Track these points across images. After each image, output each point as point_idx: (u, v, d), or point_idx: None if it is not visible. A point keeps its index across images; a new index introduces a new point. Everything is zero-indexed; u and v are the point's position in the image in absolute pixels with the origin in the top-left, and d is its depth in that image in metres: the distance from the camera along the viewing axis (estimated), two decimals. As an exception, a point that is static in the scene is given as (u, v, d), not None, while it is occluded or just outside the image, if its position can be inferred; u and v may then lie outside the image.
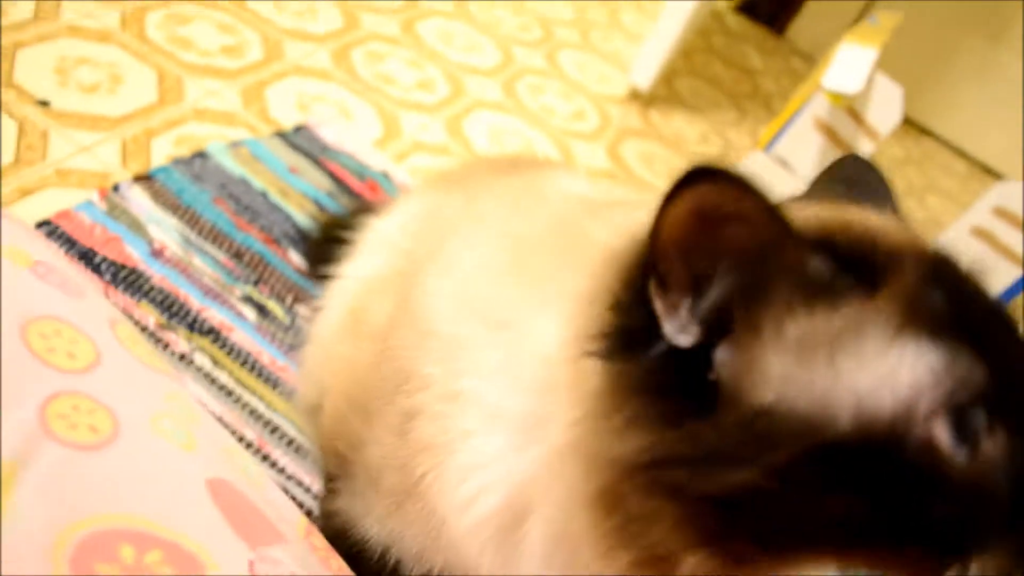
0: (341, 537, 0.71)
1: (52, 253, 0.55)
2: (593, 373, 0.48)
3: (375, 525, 0.63)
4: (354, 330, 0.74)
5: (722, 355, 0.44)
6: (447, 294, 0.60)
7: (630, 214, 0.55)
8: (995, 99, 2.37)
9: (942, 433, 0.41)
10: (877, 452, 0.41)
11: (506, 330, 0.55)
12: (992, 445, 0.42)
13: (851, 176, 0.64)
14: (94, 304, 0.53)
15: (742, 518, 0.43)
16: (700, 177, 0.41)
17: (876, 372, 0.42)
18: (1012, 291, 1.49)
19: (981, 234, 1.47)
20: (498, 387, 0.53)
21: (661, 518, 0.45)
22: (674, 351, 0.45)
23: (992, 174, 2.43)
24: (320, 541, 0.50)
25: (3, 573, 0.37)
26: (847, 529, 0.42)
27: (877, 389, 0.41)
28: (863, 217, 0.50)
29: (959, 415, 0.41)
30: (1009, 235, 1.45)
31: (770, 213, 0.42)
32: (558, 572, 0.53)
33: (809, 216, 0.48)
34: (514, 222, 0.64)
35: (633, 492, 0.45)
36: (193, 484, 0.45)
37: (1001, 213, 1.44)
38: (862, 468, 0.41)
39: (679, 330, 0.45)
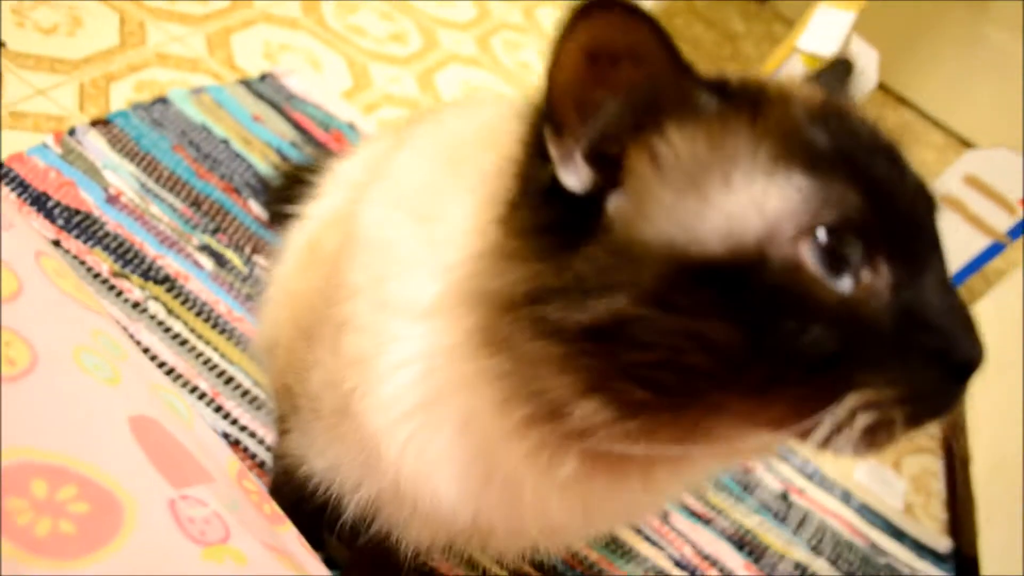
0: (289, 479, 0.70)
1: (-22, 185, 0.53)
2: (497, 234, 0.48)
3: (317, 458, 0.62)
4: (308, 262, 0.73)
5: (613, 200, 0.45)
6: (379, 201, 0.59)
7: None
8: (976, 71, 2.36)
9: (808, 256, 0.42)
10: (746, 275, 0.41)
11: (428, 222, 0.54)
12: (873, 276, 0.43)
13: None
14: (21, 236, 0.51)
15: (624, 355, 0.43)
16: (595, 8, 0.41)
17: (745, 197, 0.42)
18: (982, 259, 1.49)
19: (951, 203, 1.47)
20: (418, 281, 0.53)
21: (546, 361, 0.45)
22: (568, 200, 0.45)
23: (969, 146, 2.43)
24: (254, 484, 0.49)
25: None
26: (729, 366, 0.42)
27: (745, 213, 0.42)
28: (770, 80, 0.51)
29: (830, 241, 0.42)
30: (979, 204, 1.45)
31: (664, 44, 0.43)
32: (468, 456, 0.53)
33: (711, 70, 0.49)
34: (448, 128, 0.63)
35: (514, 331, 0.45)
36: (114, 420, 0.43)
37: (971, 181, 1.44)
38: (733, 292, 0.41)
39: (574, 175, 0.45)
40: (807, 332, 0.41)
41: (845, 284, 0.42)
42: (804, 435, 0.43)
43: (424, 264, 0.53)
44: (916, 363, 0.43)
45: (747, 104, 0.45)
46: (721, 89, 0.46)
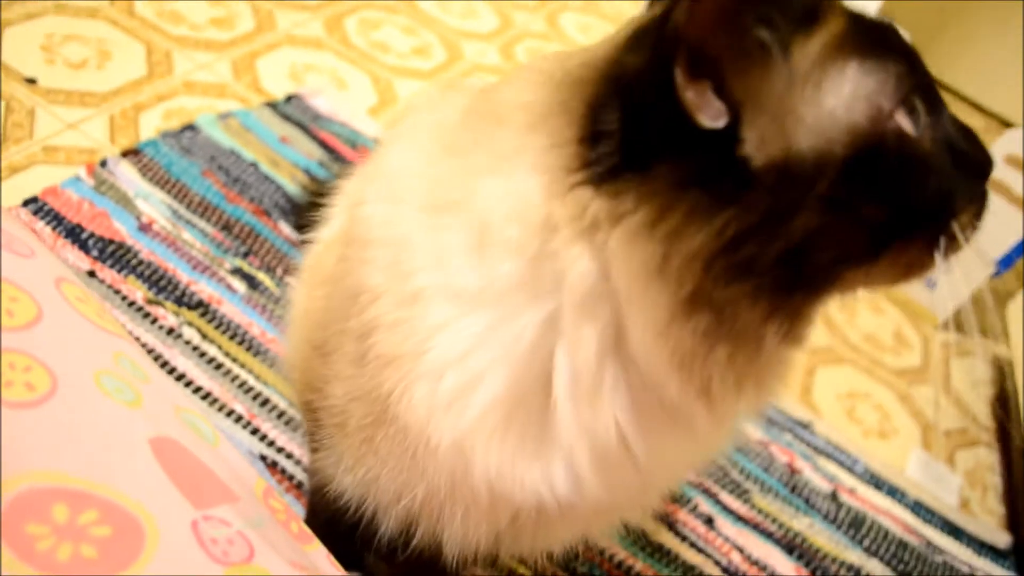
0: (322, 497, 0.70)
1: (2, 215, 0.54)
2: (591, 200, 0.48)
3: (346, 475, 0.61)
4: (314, 283, 0.73)
5: (748, 131, 0.47)
6: (377, 200, 0.57)
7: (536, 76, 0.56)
8: (1013, 50, 2.30)
9: (904, 122, 0.50)
10: (875, 157, 0.49)
11: (450, 210, 0.53)
12: (932, 125, 0.52)
13: None
14: (42, 263, 0.52)
15: (807, 263, 0.49)
16: None
17: (846, 93, 0.49)
18: (1028, 243, 1.45)
19: (992, 185, 1.43)
20: (463, 267, 0.51)
21: (743, 298, 0.48)
22: (700, 143, 0.47)
23: (1010, 127, 2.36)
24: (280, 503, 0.49)
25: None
26: (879, 235, 0.50)
27: (855, 104, 0.49)
28: None
29: (909, 105, 0.50)
30: (1021, 184, 1.41)
31: None
32: (642, 415, 0.53)
33: None
34: (426, 119, 0.62)
35: (715, 282, 0.48)
36: (135, 442, 0.43)
37: (1013, 161, 1.40)
38: (872, 176, 0.49)
39: (714, 115, 0.47)
40: (928, 186, 0.51)
41: (927, 137, 0.51)
42: (924, 270, 0.55)
43: (467, 251, 0.51)
44: (969, 180, 0.55)
45: (826, 16, 0.50)
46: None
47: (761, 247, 0.48)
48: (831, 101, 0.49)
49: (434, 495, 0.58)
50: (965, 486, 1.29)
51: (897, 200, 0.50)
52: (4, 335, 0.45)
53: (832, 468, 1.18)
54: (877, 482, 1.19)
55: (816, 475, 1.16)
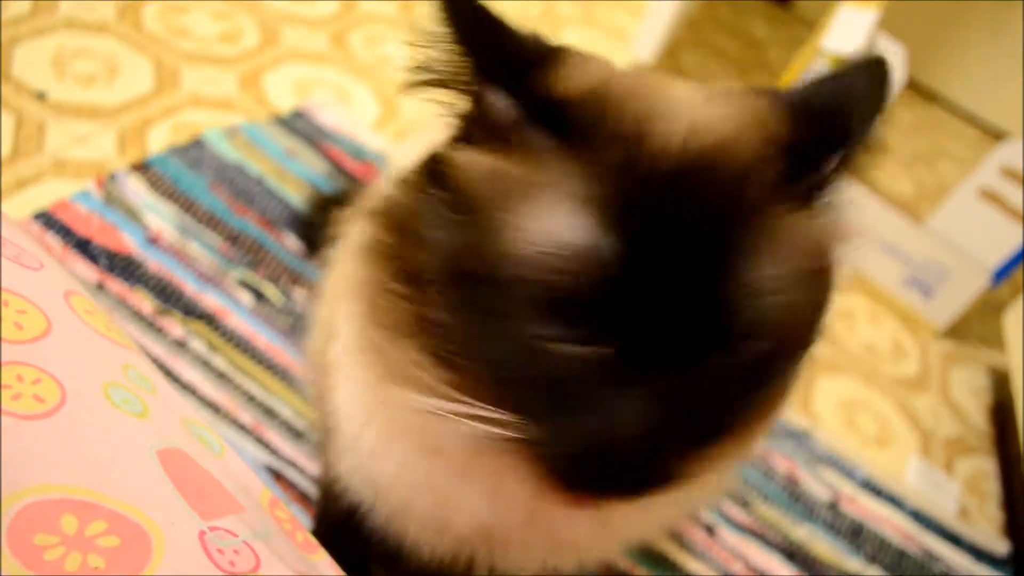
0: (331, 505, 0.73)
1: (9, 226, 0.55)
2: None
3: (352, 473, 0.65)
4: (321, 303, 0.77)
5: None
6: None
7: None
8: (1005, 61, 2.31)
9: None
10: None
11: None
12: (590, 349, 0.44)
13: None
14: (51, 276, 0.53)
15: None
16: None
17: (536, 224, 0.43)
18: (1022, 253, 1.46)
19: (988, 196, 1.45)
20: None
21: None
22: None
23: (1003, 137, 2.38)
24: (286, 513, 0.50)
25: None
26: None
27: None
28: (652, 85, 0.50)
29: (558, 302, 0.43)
30: (1017, 196, 1.42)
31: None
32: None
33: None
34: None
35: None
36: (143, 454, 0.45)
37: (1008, 173, 1.41)
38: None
39: None
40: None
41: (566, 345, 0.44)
42: None
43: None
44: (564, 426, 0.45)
45: (584, 134, 0.45)
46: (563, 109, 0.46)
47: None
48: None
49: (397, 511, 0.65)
50: (964, 494, 1.30)
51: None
52: (13, 348, 0.47)
53: (832, 476, 1.19)
54: (877, 490, 1.20)
55: (816, 483, 1.17)
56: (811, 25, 2.56)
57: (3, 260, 0.50)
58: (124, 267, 1.03)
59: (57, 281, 0.53)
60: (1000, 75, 2.33)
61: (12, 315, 0.48)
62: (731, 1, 2.55)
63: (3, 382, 0.44)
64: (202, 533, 0.43)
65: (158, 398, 0.50)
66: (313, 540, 0.50)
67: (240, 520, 0.45)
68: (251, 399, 0.97)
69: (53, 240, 1.02)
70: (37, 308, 0.49)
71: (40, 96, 1.18)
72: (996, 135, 2.40)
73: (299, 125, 1.33)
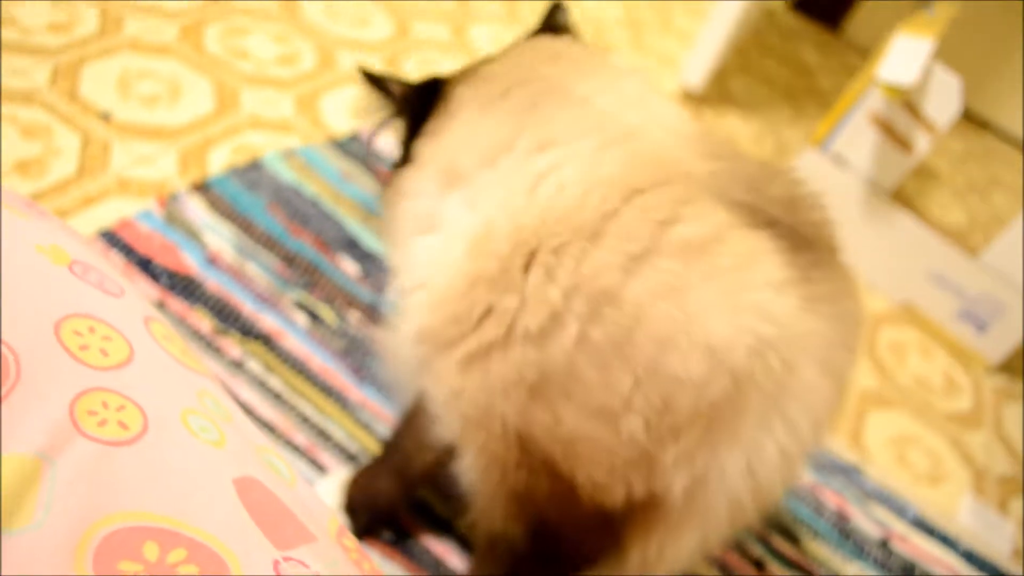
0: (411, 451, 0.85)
1: (91, 251, 0.57)
2: None
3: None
4: None
5: None
6: None
7: None
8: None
9: None
10: None
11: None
12: None
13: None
14: (131, 302, 0.54)
15: None
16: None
17: None
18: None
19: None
20: None
21: None
22: None
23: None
24: (352, 542, 0.51)
25: (28, 572, 0.38)
26: None
27: None
28: None
29: None
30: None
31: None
32: None
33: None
34: None
35: None
36: (220, 482, 0.45)
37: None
38: None
39: None
40: None
41: None
42: None
43: None
44: None
45: None
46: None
47: None
48: None
49: None
50: (1018, 533, 1.27)
51: None
52: (99, 374, 0.48)
53: (883, 514, 1.18)
54: (929, 529, 1.18)
55: (866, 521, 1.15)
56: (862, 52, 2.55)
57: (90, 287, 0.52)
58: (184, 286, 1.05)
59: (137, 307, 0.54)
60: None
61: (98, 342, 0.49)
62: (781, 25, 2.54)
63: (90, 408, 0.45)
64: (276, 563, 0.43)
65: (233, 426, 0.51)
66: (378, 569, 0.51)
67: (311, 551, 0.46)
68: (305, 420, 0.98)
69: (116, 258, 1.04)
70: (121, 335, 0.50)
71: (105, 116, 1.21)
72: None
73: (354, 148, 1.35)
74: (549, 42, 0.85)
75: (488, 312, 0.64)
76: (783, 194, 0.67)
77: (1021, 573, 1.18)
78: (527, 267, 0.64)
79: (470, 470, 0.72)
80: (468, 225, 0.68)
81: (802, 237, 0.64)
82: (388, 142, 1.37)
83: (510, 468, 0.68)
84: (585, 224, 0.62)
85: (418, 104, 0.78)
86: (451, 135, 0.74)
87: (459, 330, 0.66)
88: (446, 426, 0.72)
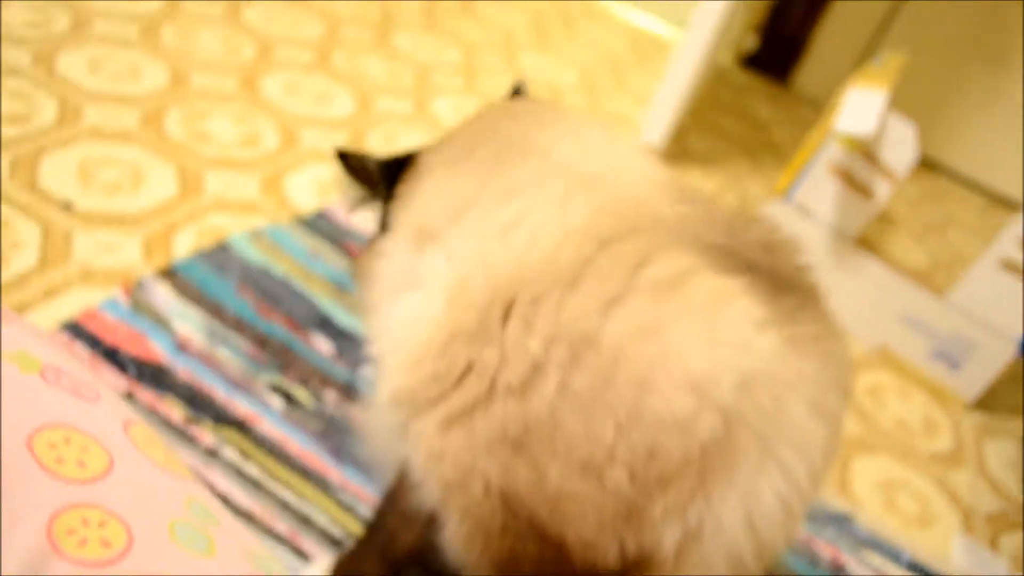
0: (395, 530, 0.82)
1: (63, 356, 0.54)
2: None
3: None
4: None
5: None
6: None
7: None
8: (1004, 128, 2.36)
9: None
10: None
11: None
12: None
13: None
14: (108, 407, 0.52)
15: None
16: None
17: None
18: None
19: (1010, 266, 1.45)
20: None
21: None
22: None
23: (1010, 204, 2.40)
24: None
25: None
26: None
27: None
28: None
29: None
30: (1041, 267, 1.42)
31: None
32: None
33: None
34: None
35: None
36: (215, 596, 0.43)
37: (1030, 245, 1.42)
38: None
39: None
40: None
41: None
42: None
43: None
44: None
45: None
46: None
47: None
48: None
49: None
50: (1012, 570, 1.26)
51: None
52: (77, 489, 0.45)
53: (877, 560, 1.16)
54: (924, 573, 1.17)
55: (862, 568, 1.14)
56: (812, 103, 2.62)
57: (64, 394, 0.50)
58: (153, 375, 1.02)
59: (115, 412, 0.52)
60: (999, 141, 2.37)
61: (76, 453, 0.47)
62: (732, 82, 2.61)
63: (69, 527, 0.43)
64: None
65: (222, 531, 0.49)
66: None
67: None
68: (285, 507, 0.95)
69: (81, 350, 1.01)
70: (98, 443, 0.48)
71: (66, 206, 1.19)
72: (1001, 201, 2.43)
73: (322, 225, 1.34)
74: (510, 103, 0.87)
75: (468, 369, 0.63)
76: (760, 239, 0.67)
77: (1020, 613, 1.17)
78: (505, 318, 0.63)
79: (454, 538, 0.70)
80: (446, 278, 0.68)
81: (784, 281, 0.64)
82: (362, 218, 1.37)
83: (495, 534, 0.66)
84: (563, 273, 0.62)
85: (393, 177, 0.79)
86: (420, 197, 0.75)
87: (439, 389, 0.65)
88: (427, 491, 0.71)
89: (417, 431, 0.68)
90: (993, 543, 1.31)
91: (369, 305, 0.79)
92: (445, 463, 0.66)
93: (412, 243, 0.73)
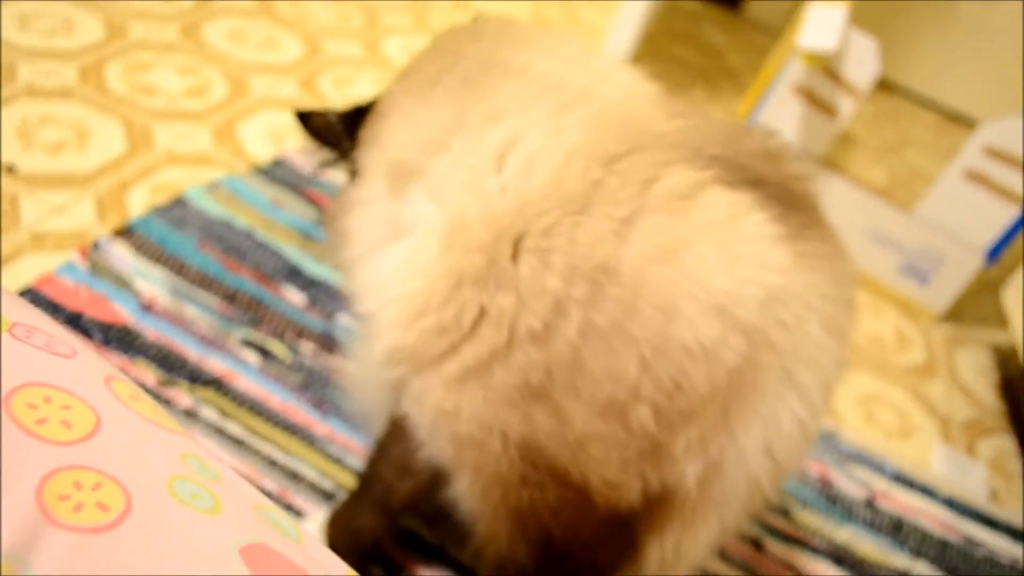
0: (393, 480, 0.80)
1: (32, 312, 0.50)
2: None
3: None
4: None
5: None
6: None
7: None
8: (956, 45, 2.37)
9: None
10: None
11: None
12: None
13: None
14: (87, 362, 0.48)
15: None
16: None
17: None
18: (1012, 231, 1.47)
19: (975, 177, 1.45)
20: None
21: None
22: None
23: (964, 121, 2.42)
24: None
25: None
26: None
27: None
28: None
29: None
30: (1003, 174, 1.43)
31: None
32: None
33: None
34: None
35: None
36: (224, 554, 0.40)
37: (993, 153, 1.42)
38: None
39: None
40: None
41: None
42: None
43: None
44: None
45: None
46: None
47: None
48: None
49: None
50: (991, 475, 1.29)
51: None
52: (66, 450, 0.42)
53: (863, 474, 1.18)
54: (909, 482, 1.19)
55: (849, 483, 1.15)
56: (764, 28, 2.60)
57: (36, 351, 0.46)
58: (121, 339, 0.97)
59: (94, 367, 0.48)
60: (952, 59, 2.38)
61: (57, 412, 0.43)
62: (683, 10, 2.57)
63: (61, 492, 0.39)
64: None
65: (225, 486, 0.45)
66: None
67: (329, 610, 0.41)
68: (273, 464, 0.92)
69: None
70: (82, 401, 0.44)
71: (9, 169, 1.13)
72: (955, 118, 2.44)
73: (281, 174, 1.29)
74: (466, 27, 0.80)
75: (481, 316, 0.59)
76: (759, 147, 0.64)
77: (1000, 513, 1.19)
78: (516, 256, 0.58)
79: (467, 494, 0.67)
80: (438, 219, 0.62)
81: (789, 195, 0.62)
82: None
83: (512, 486, 0.63)
84: (571, 198, 0.58)
85: (355, 125, 0.75)
86: (389, 134, 0.70)
87: (447, 341, 0.60)
88: (435, 450, 0.67)
89: (421, 389, 0.63)
90: (970, 449, 1.33)
91: (348, 262, 0.73)
92: (459, 421, 0.61)
93: (389, 185, 0.67)
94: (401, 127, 0.69)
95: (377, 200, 0.69)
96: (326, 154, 0.78)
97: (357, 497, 0.85)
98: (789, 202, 0.61)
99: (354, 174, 0.75)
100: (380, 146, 0.70)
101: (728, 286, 0.55)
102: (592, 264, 0.56)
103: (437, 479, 0.70)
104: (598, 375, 0.57)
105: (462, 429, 0.62)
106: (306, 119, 0.76)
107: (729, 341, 0.55)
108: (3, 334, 0.46)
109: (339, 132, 0.76)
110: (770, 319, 0.56)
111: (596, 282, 0.56)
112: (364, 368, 0.83)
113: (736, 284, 0.55)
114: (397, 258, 0.65)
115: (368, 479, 0.84)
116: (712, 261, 0.56)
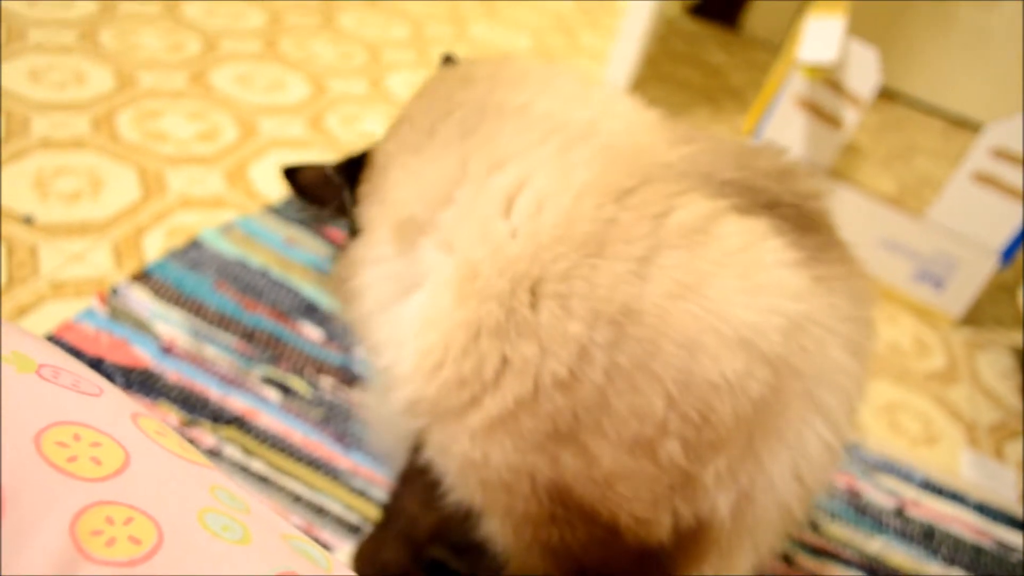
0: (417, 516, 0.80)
1: (58, 354, 0.51)
2: None
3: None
4: None
5: None
6: None
7: None
8: (956, 49, 2.37)
9: None
10: None
11: None
12: None
13: None
14: (113, 400, 0.49)
15: None
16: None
17: None
18: (1025, 233, 1.47)
19: (984, 179, 1.45)
20: None
21: None
22: None
23: (969, 125, 2.43)
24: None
25: None
26: None
27: None
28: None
29: None
30: (1012, 174, 1.43)
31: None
32: None
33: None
34: None
35: None
36: (257, 585, 0.40)
37: (1000, 154, 1.42)
38: None
39: None
40: None
41: None
42: None
43: None
44: None
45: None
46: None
47: None
48: None
49: None
50: (1019, 478, 1.28)
51: None
52: (96, 487, 0.42)
53: (891, 483, 1.16)
54: (938, 490, 1.18)
55: (878, 493, 1.14)
56: (763, 45, 2.62)
57: (64, 391, 0.46)
58: (143, 382, 0.98)
59: (121, 405, 0.49)
60: (954, 64, 2.38)
61: (87, 450, 0.43)
62: (682, 31, 2.59)
63: (93, 528, 0.40)
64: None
65: (254, 518, 0.46)
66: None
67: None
68: (297, 499, 0.92)
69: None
70: (110, 438, 0.45)
71: (27, 220, 1.14)
72: (960, 123, 2.45)
73: (293, 213, 1.30)
74: (453, 72, 0.79)
75: (504, 366, 0.58)
76: (770, 166, 0.64)
77: (1034, 517, 1.18)
78: (535, 303, 0.58)
79: (498, 533, 0.67)
80: (449, 268, 0.62)
81: (806, 218, 0.61)
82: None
83: (543, 525, 0.62)
84: (587, 238, 0.57)
85: (354, 178, 0.74)
86: (391, 190, 0.68)
87: (469, 393, 0.59)
88: (463, 495, 0.67)
89: (445, 439, 0.63)
90: (998, 453, 1.32)
91: (359, 320, 0.72)
92: (487, 468, 0.61)
93: (396, 242, 0.66)
94: (402, 182, 0.68)
95: (386, 259, 0.68)
96: (316, 213, 0.78)
97: (382, 529, 0.85)
98: (804, 224, 0.60)
99: (354, 232, 0.73)
100: (383, 203, 0.69)
101: (750, 318, 0.55)
102: (614, 307, 0.55)
103: (460, 510, 0.70)
104: (624, 414, 0.56)
105: (491, 476, 0.61)
106: (293, 175, 0.76)
107: (754, 372, 0.55)
108: (31, 375, 0.47)
109: (339, 186, 0.75)
110: (793, 346, 0.56)
111: (619, 324, 0.55)
112: (383, 412, 0.83)
113: (758, 315, 0.55)
114: (411, 311, 0.64)
115: (392, 512, 0.84)
116: (732, 293, 0.55)
